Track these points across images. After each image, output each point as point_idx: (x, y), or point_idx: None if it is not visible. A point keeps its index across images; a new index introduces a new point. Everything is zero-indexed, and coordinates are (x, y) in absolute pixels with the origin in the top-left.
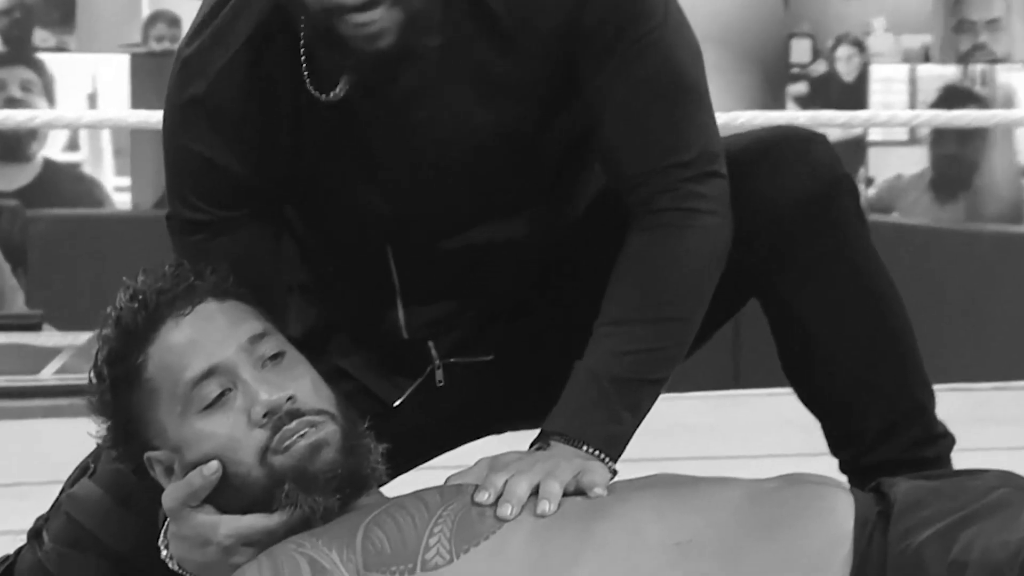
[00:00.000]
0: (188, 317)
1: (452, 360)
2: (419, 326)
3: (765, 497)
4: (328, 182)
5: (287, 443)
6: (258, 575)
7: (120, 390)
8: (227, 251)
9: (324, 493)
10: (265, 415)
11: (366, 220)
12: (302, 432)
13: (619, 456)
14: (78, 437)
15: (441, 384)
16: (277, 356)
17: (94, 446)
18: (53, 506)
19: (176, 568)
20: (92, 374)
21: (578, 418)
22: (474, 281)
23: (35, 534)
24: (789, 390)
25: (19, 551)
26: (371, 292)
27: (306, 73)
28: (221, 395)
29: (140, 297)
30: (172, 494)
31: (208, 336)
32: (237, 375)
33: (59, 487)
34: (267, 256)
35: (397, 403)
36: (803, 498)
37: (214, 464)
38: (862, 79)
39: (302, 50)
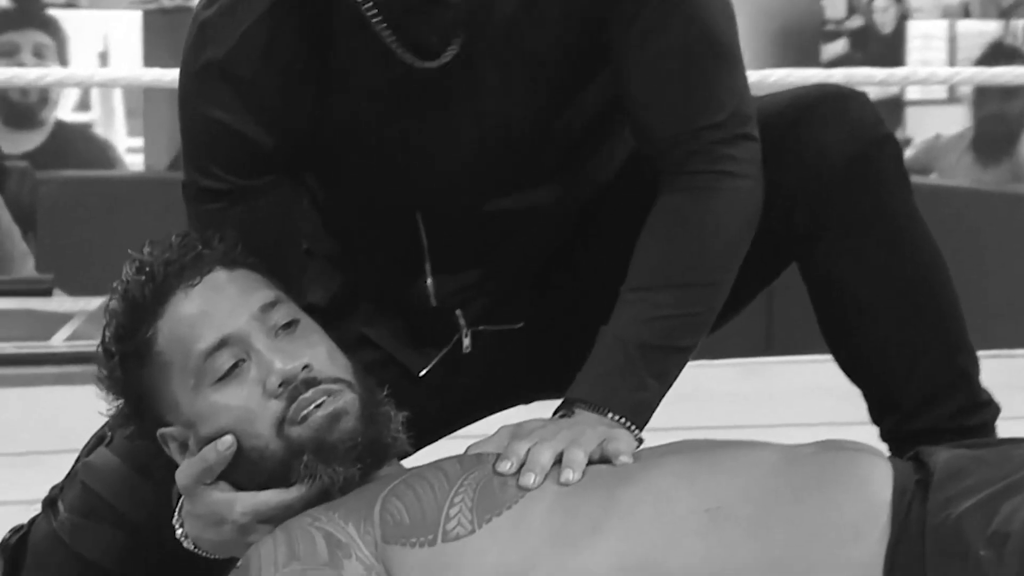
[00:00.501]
0: (197, 287)
1: (480, 328)
2: (448, 294)
3: (798, 463)
4: (365, 150)
5: (304, 413)
6: (272, 551)
7: (130, 366)
8: (245, 220)
9: (344, 463)
10: (280, 385)
11: (399, 188)
12: (319, 401)
13: (645, 424)
14: (90, 405)
15: (468, 352)
16: (290, 324)
17: (109, 415)
18: (68, 475)
19: (192, 547)
20: (100, 351)
21: (603, 385)
22: (504, 247)
23: (50, 504)
24: (825, 357)
25: (33, 521)
26: (399, 260)
27: (392, 40)
28: (234, 366)
29: (147, 269)
30: (185, 471)
31: (218, 306)
32: (250, 345)
33: (72, 456)
34: (286, 225)
35: (423, 372)
36: (839, 465)
37: (228, 439)
38: (899, 35)
39: (372, 17)
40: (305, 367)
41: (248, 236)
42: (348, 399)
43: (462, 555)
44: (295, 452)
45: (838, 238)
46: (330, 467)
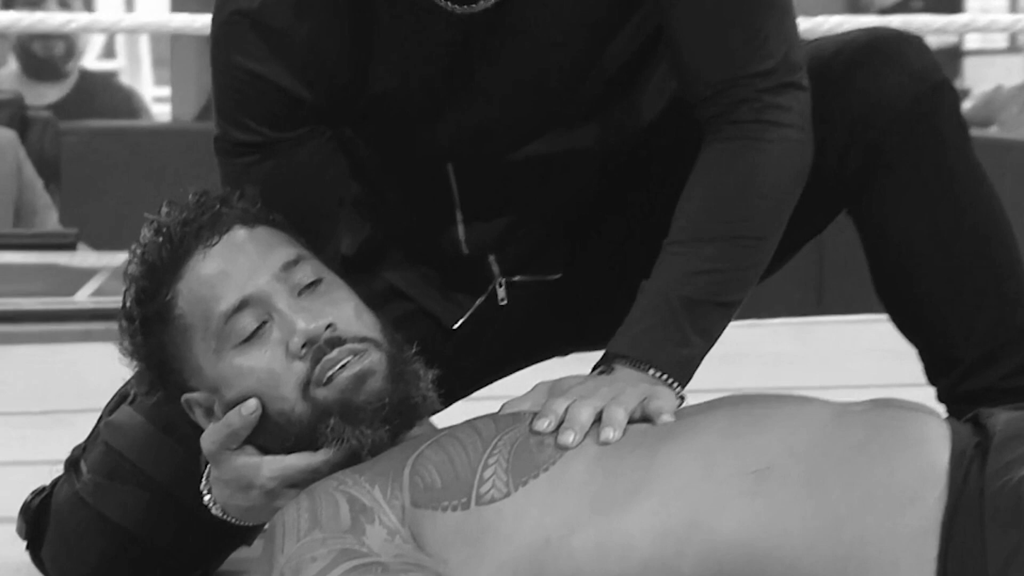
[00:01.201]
0: (216, 247)
1: (516, 279)
2: (480, 241)
3: (851, 422)
4: (399, 100)
5: (329, 374)
6: (296, 515)
7: (151, 330)
8: (278, 173)
9: (372, 425)
10: (304, 346)
11: (431, 136)
12: (344, 361)
13: (687, 382)
14: (114, 362)
15: (503, 303)
16: (314, 282)
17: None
18: (91, 435)
19: (220, 514)
20: (121, 316)
21: (644, 340)
22: (536, 194)
23: (72, 464)
24: (878, 315)
25: (55, 482)
26: (429, 207)
27: None
28: (258, 328)
29: (164, 230)
30: (210, 437)
31: (238, 266)
32: (272, 305)
33: (96, 415)
34: (321, 179)
35: (456, 325)
36: (894, 425)
37: (252, 402)
38: None
39: None
40: (329, 326)
41: (282, 190)
42: (374, 358)
43: (497, 519)
44: (321, 415)
45: (893, 188)
46: (357, 429)
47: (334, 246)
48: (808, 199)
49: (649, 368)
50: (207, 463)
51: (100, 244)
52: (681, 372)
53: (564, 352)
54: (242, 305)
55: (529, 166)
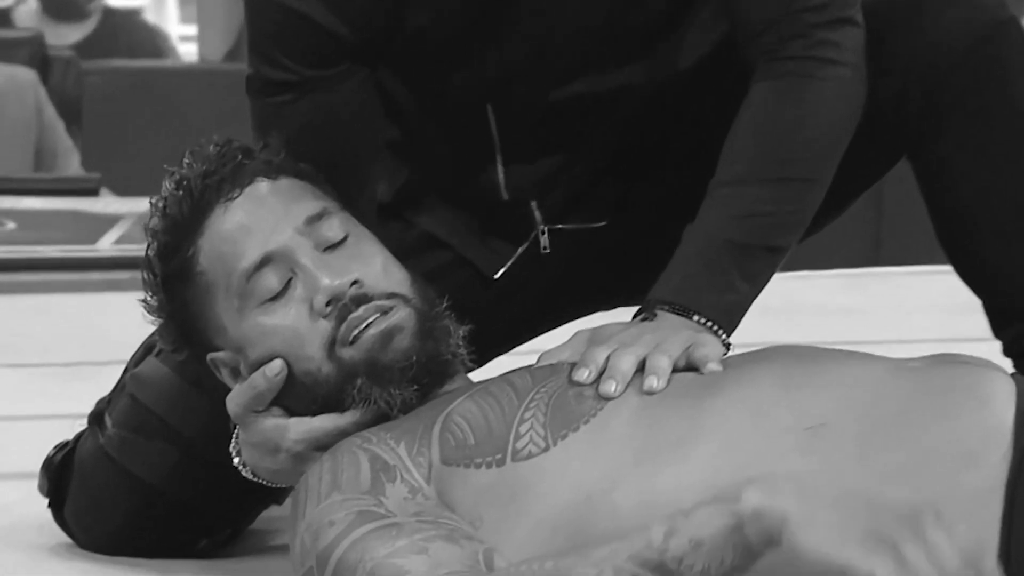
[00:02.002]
0: (237, 201)
1: (559, 226)
2: (520, 186)
3: (910, 378)
4: (436, 36)
5: (355, 333)
6: (318, 475)
7: (174, 288)
8: (313, 114)
9: (400, 385)
10: (328, 303)
11: (471, 77)
12: (371, 319)
13: (734, 329)
14: (139, 312)
15: (546, 252)
16: (340, 236)
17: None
18: (116, 387)
19: (251, 477)
20: (143, 272)
21: (689, 285)
22: (578, 136)
23: (96, 418)
24: (940, 267)
25: (79, 436)
26: (467, 150)
27: None
28: (285, 286)
29: (184, 183)
30: (235, 399)
31: (261, 220)
32: (295, 261)
33: (120, 367)
34: (358, 121)
35: (497, 274)
36: (956, 381)
37: (277, 363)
38: None
39: None
40: (355, 283)
41: (317, 133)
42: (402, 315)
43: (535, 475)
44: (348, 375)
45: (955, 130)
46: (385, 390)
47: (371, 192)
48: (865, 145)
49: (693, 314)
50: (236, 425)
51: (124, 189)
52: (727, 319)
53: (609, 305)
54: (264, 262)
55: (570, 107)
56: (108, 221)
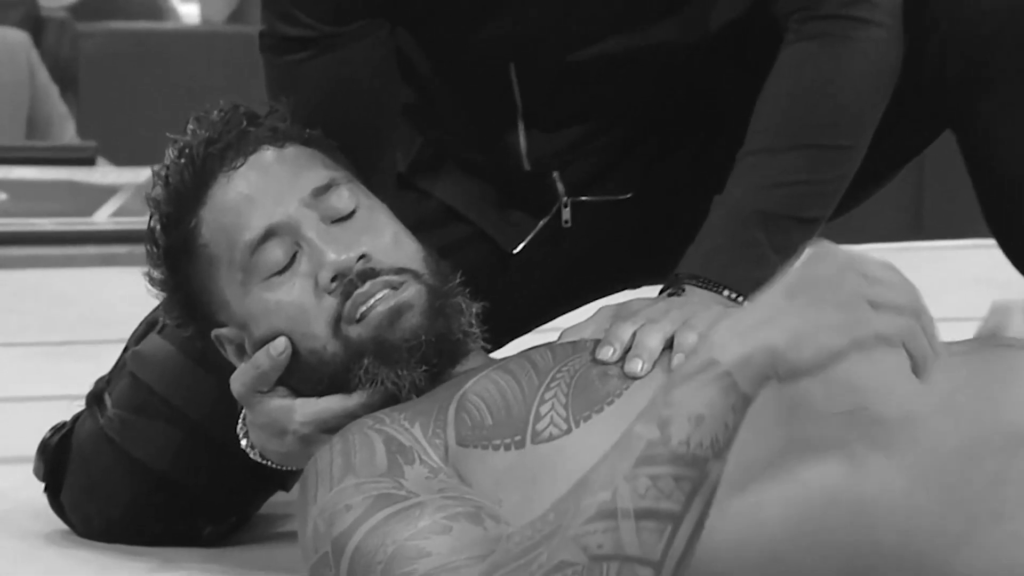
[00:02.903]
0: (241, 170)
1: (582, 198)
2: (543, 155)
3: (953, 362)
4: None
5: (362, 310)
6: (329, 461)
7: (176, 261)
8: (329, 73)
9: (408, 366)
10: (334, 279)
11: (492, 34)
12: (378, 295)
13: None
14: (139, 288)
15: (568, 225)
16: (349, 208)
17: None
18: (116, 366)
19: (259, 459)
20: (146, 244)
21: (717, 259)
22: (603, 102)
23: (95, 399)
24: (984, 240)
25: (77, 418)
26: (488, 115)
27: None
28: (287, 261)
29: (187, 151)
30: (239, 379)
31: (265, 191)
32: (301, 234)
33: (119, 345)
34: (376, 80)
35: (517, 249)
36: (1002, 365)
37: (281, 342)
38: None
39: None
40: (362, 257)
41: (334, 94)
42: (412, 291)
43: (556, 459)
44: (354, 355)
45: (999, 96)
46: (392, 371)
47: (390, 158)
48: (904, 114)
49: (723, 289)
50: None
51: (121, 159)
52: (757, 293)
53: (633, 283)
54: (268, 235)
55: (596, 69)
56: (105, 192)
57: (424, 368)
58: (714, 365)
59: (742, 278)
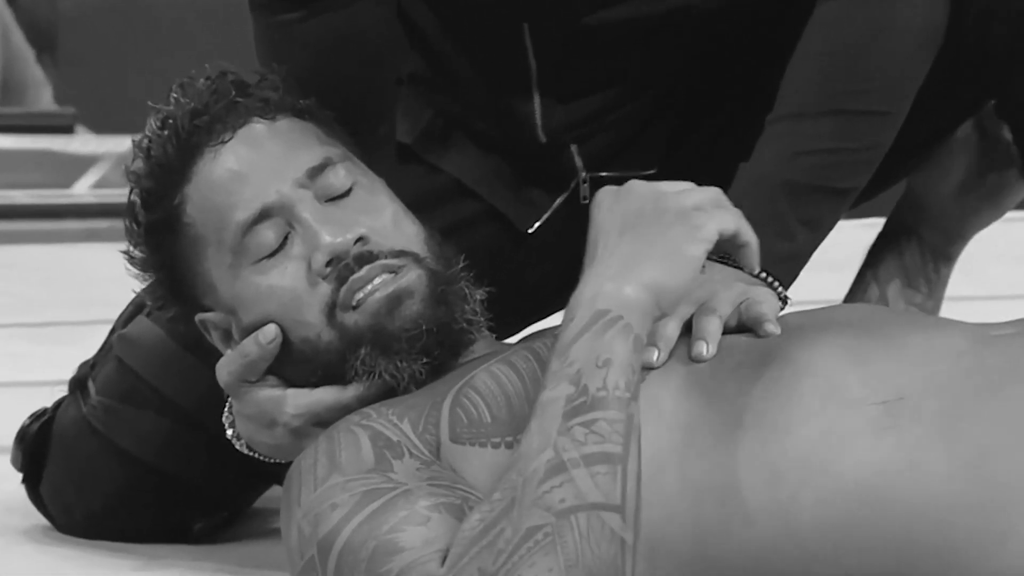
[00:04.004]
0: (229, 144)
1: (602, 174)
2: (558, 127)
3: (996, 347)
4: None
5: (358, 296)
6: (313, 464)
7: (159, 239)
8: (325, 36)
9: (407, 357)
10: (329, 263)
11: None
12: (376, 281)
13: (791, 282)
14: (124, 266)
15: (587, 203)
16: (345, 186)
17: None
18: (101, 350)
19: (244, 450)
20: (126, 220)
21: None
22: (623, 70)
23: (78, 385)
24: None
25: (58, 405)
26: (502, 81)
27: None
28: (282, 242)
29: (171, 123)
30: (225, 367)
31: (256, 168)
32: (295, 215)
33: (103, 327)
34: (377, 45)
35: (532, 228)
36: None
37: (271, 329)
38: None
39: None
40: (359, 239)
41: (329, 57)
42: (412, 277)
43: None
44: (351, 343)
45: None
46: (391, 362)
47: (388, 130)
48: (946, 85)
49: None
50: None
51: (102, 126)
52: (784, 270)
53: None
54: (263, 216)
55: (614, 33)
56: (85, 162)
57: (425, 360)
58: (602, 313)
59: (766, 253)
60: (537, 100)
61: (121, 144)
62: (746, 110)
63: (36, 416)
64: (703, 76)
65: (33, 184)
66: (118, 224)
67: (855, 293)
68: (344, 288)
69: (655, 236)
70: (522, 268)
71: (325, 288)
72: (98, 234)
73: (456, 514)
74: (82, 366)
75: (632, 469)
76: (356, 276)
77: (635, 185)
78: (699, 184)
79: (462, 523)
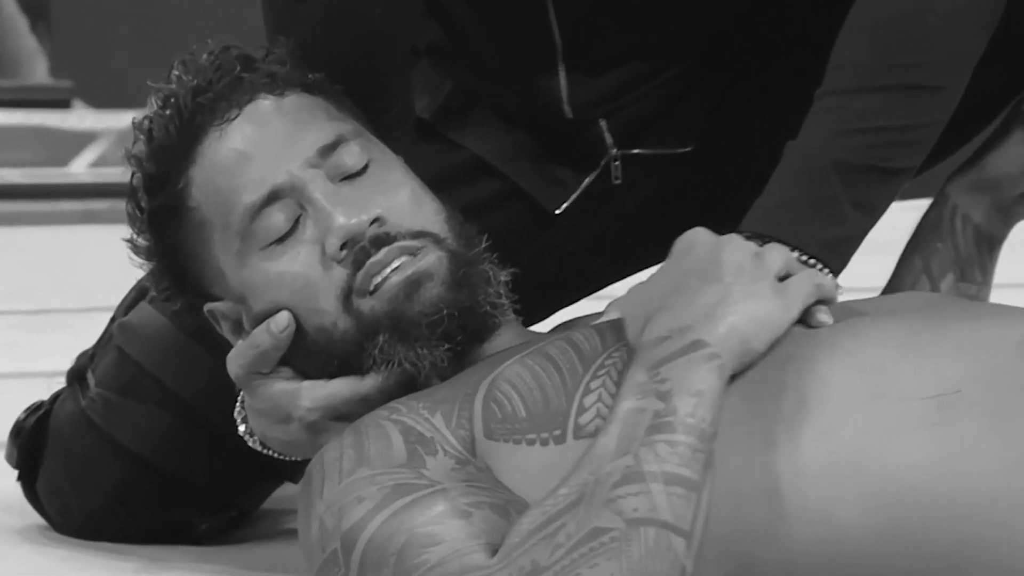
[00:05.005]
0: (235, 123)
1: (635, 151)
2: (586, 101)
3: None
4: None
5: (376, 281)
6: (338, 454)
7: (163, 225)
8: (327, 9)
9: (428, 343)
10: (343, 246)
11: None
12: (395, 264)
13: (842, 268)
14: (124, 249)
15: (618, 183)
16: (360, 164)
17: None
18: (101, 339)
19: (260, 448)
20: (128, 205)
21: (786, 215)
22: (655, 37)
23: (77, 376)
24: None
25: (55, 398)
26: (523, 52)
27: None
28: (292, 225)
29: (172, 101)
30: (236, 359)
31: (264, 147)
32: (306, 196)
33: (102, 315)
34: (392, 15)
35: (559, 209)
36: None
37: (283, 317)
38: None
39: None
40: (376, 220)
41: (341, 29)
42: (432, 259)
43: None
44: (368, 331)
45: None
46: (411, 349)
47: (402, 109)
48: (1001, 55)
49: (794, 250)
50: None
51: (100, 101)
52: (834, 256)
53: None
54: (272, 198)
55: (643, 1)
56: (82, 139)
57: (446, 346)
58: (701, 344)
59: (815, 237)
60: (562, 73)
61: (121, 119)
62: (789, 83)
63: (32, 410)
64: (738, 47)
65: (27, 162)
66: (118, 205)
67: (902, 279)
68: (361, 273)
69: (755, 295)
70: (545, 251)
71: (340, 273)
72: (96, 215)
73: (501, 514)
74: (81, 356)
75: (704, 502)
76: (373, 260)
77: (736, 239)
78: (741, 164)
79: (519, 518)
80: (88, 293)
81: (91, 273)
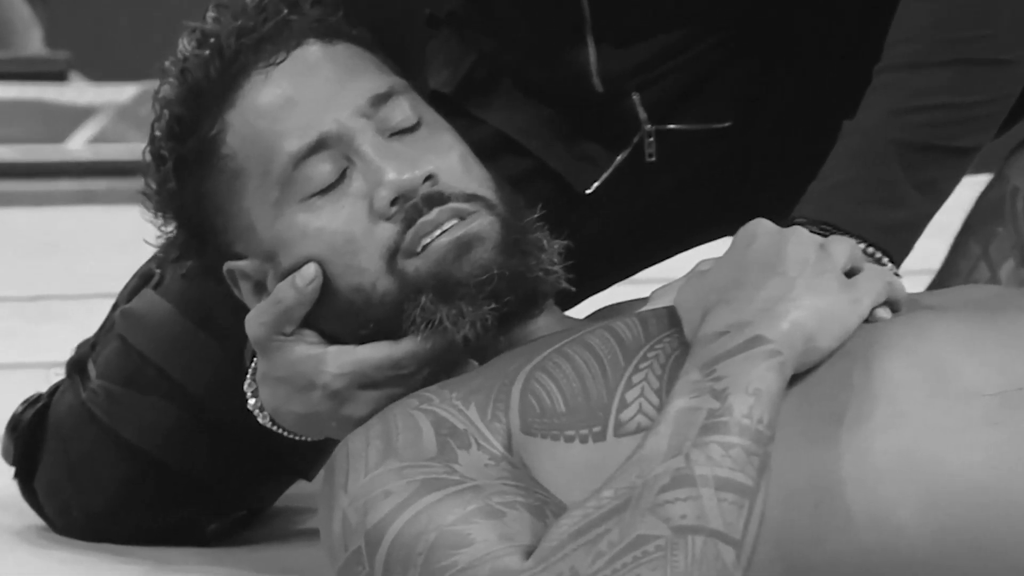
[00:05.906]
0: (282, 67)
1: (669, 127)
2: (617, 73)
3: None
4: None
5: (425, 241)
6: (364, 443)
7: (189, 174)
8: None
9: (474, 302)
10: (394, 202)
11: None
12: (446, 225)
13: (904, 256)
14: (127, 231)
15: (652, 160)
16: (412, 121)
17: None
18: (102, 328)
19: (268, 424)
20: (148, 153)
21: (843, 198)
22: (683, 7)
23: (77, 367)
24: None
25: (55, 390)
26: (550, 22)
27: None
28: (337, 176)
29: (212, 41)
30: (257, 318)
31: (313, 94)
32: (354, 147)
33: (103, 301)
34: None
35: (590, 189)
36: None
37: (310, 270)
38: None
39: None
40: (428, 178)
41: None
42: (484, 222)
43: None
44: (411, 292)
45: None
46: (454, 307)
47: (420, 81)
48: None
49: (851, 237)
50: (254, 355)
51: (99, 73)
52: (895, 243)
53: (732, 230)
54: (319, 146)
55: None
56: (80, 114)
57: (493, 305)
58: (761, 340)
59: (875, 223)
60: (591, 44)
61: (122, 93)
62: (829, 59)
63: (30, 403)
64: (773, 21)
65: (22, 139)
66: (119, 184)
67: (957, 265)
68: (411, 232)
69: (820, 290)
70: (577, 232)
71: (387, 230)
72: (96, 195)
73: (537, 515)
74: (81, 346)
75: (758, 509)
76: (425, 219)
77: (800, 231)
78: (786, 140)
79: (558, 520)
80: (88, 279)
81: (90, 257)
